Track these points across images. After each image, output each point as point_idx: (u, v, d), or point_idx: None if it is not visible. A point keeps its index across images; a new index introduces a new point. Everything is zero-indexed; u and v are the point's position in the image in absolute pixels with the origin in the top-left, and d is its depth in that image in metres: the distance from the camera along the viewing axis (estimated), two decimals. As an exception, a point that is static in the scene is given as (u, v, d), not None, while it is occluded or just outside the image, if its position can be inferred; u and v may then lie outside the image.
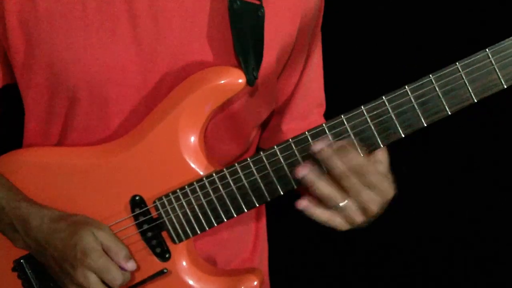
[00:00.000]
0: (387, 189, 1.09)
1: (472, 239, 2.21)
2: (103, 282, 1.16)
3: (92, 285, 1.15)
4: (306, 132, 1.12)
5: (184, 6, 1.18)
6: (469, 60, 1.06)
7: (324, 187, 1.06)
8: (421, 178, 2.12)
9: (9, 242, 1.26)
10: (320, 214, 1.08)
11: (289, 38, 1.25)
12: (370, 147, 1.11)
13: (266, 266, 1.45)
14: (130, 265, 1.17)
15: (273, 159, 1.14)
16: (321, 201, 1.08)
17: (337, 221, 1.09)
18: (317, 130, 1.11)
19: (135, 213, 1.20)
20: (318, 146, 1.06)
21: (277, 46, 1.23)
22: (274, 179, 1.14)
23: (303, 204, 1.08)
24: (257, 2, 1.19)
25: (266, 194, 1.15)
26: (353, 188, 1.06)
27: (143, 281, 1.22)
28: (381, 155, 1.09)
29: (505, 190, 2.14)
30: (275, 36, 1.23)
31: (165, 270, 1.21)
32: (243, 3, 1.17)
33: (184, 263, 1.22)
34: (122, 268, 1.16)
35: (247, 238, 1.40)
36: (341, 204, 1.07)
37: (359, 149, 1.08)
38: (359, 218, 1.09)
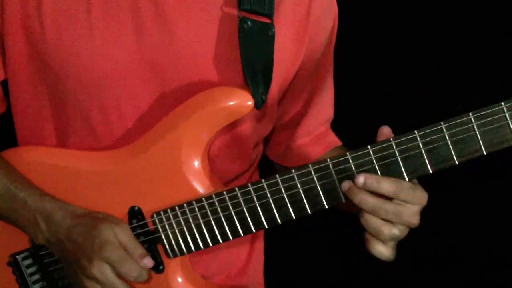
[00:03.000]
0: (420, 196, 1.08)
1: (472, 239, 2.21)
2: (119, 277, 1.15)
3: (107, 278, 1.14)
4: (310, 166, 1.10)
5: (192, 19, 1.14)
6: (483, 112, 1.03)
7: (376, 222, 1.06)
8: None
9: (7, 235, 1.26)
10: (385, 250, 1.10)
11: (295, 60, 1.22)
12: (373, 188, 1.09)
13: (261, 278, 1.45)
14: (146, 262, 1.15)
15: (274, 188, 1.13)
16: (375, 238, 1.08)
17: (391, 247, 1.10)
18: (322, 165, 1.10)
19: (132, 225, 1.20)
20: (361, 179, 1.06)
21: (283, 67, 1.21)
22: (274, 208, 1.13)
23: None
24: (268, 21, 1.15)
25: (264, 222, 1.14)
26: (390, 216, 1.06)
27: None
28: None
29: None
30: (282, 57, 1.20)
31: (161, 267, 1.21)
32: (253, 23, 1.14)
33: (177, 277, 1.22)
34: None
35: (241, 248, 1.40)
36: (396, 233, 1.07)
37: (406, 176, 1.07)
38: (404, 233, 1.10)
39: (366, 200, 1.05)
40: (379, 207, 1.05)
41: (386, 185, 1.05)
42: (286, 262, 2.13)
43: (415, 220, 1.08)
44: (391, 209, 1.05)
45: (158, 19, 1.14)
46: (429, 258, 2.28)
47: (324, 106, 1.38)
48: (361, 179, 1.05)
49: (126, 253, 1.14)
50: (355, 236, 2.20)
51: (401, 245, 2.17)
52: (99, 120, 1.20)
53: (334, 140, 1.41)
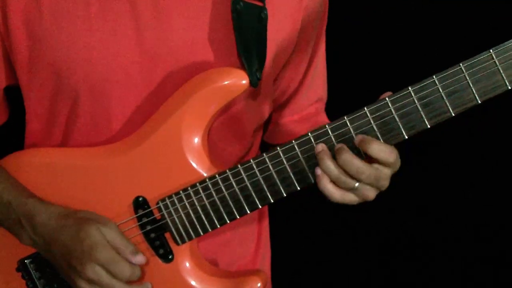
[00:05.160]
0: (399, 160, 1.11)
1: (472, 239, 2.21)
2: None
3: (101, 279, 1.15)
4: (309, 134, 1.12)
5: (187, 6, 1.18)
6: (473, 61, 1.05)
7: (338, 175, 1.08)
8: (422, 179, 2.12)
9: (13, 241, 1.26)
10: (334, 192, 1.10)
11: (289, 41, 1.25)
12: (373, 149, 1.10)
13: (268, 269, 1.44)
14: (139, 259, 1.17)
15: (276, 160, 1.13)
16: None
17: (350, 198, 1.11)
18: (320, 131, 1.11)
19: (138, 214, 1.20)
20: (319, 147, 1.10)
21: (275, 48, 1.24)
22: (277, 180, 1.14)
23: (318, 172, 1.09)
24: (260, 4, 1.19)
25: (269, 196, 1.15)
26: (370, 179, 1.08)
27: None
28: None
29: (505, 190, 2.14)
30: (275, 39, 1.23)
31: (170, 256, 1.21)
32: (246, 4, 1.17)
33: (187, 264, 1.22)
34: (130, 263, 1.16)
35: (249, 240, 1.40)
36: (356, 185, 1.09)
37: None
38: (372, 195, 1.11)
39: (353, 162, 1.07)
40: (362, 170, 1.07)
41: (380, 148, 1.07)
42: (292, 258, 2.12)
43: (388, 182, 1.12)
44: (372, 172, 1.08)
45: (155, 9, 1.17)
46: (431, 256, 2.27)
47: (314, 86, 1.41)
48: (359, 137, 1.08)
49: (117, 254, 1.15)
50: (360, 234, 2.21)
51: (404, 244, 2.19)
52: (102, 114, 1.21)
53: (322, 121, 1.43)
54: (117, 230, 1.19)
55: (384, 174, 1.10)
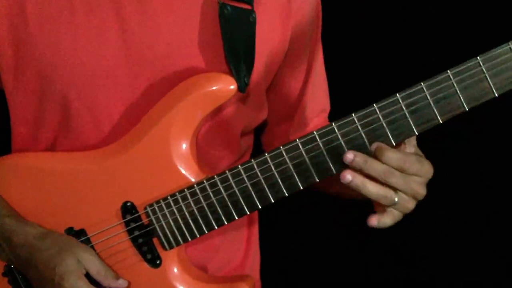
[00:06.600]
0: (428, 169, 1.08)
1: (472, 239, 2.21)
2: None
3: None
4: (297, 140, 1.11)
5: (174, 11, 1.18)
6: (461, 68, 1.05)
7: (374, 188, 1.05)
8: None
9: None
10: (387, 219, 1.08)
11: (280, 45, 1.24)
12: (361, 155, 1.10)
13: (257, 275, 1.44)
14: (121, 282, 1.18)
15: (264, 166, 1.13)
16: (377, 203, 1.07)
17: (396, 216, 1.08)
18: (308, 137, 1.11)
19: (126, 219, 1.20)
20: (350, 156, 1.04)
21: (267, 52, 1.23)
22: (265, 186, 1.14)
23: (374, 221, 1.07)
24: (249, 7, 1.18)
25: (257, 202, 1.15)
26: (400, 181, 1.05)
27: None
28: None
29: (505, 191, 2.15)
30: (266, 43, 1.22)
31: (158, 262, 1.21)
32: (234, 9, 1.17)
33: (175, 270, 1.22)
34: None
35: (238, 245, 1.40)
36: (396, 199, 1.05)
37: (392, 140, 1.07)
38: (411, 205, 1.08)
39: (374, 165, 1.04)
40: (390, 171, 1.04)
41: (394, 157, 1.04)
42: (282, 263, 2.13)
43: (422, 190, 1.07)
44: (399, 174, 1.04)
45: (141, 14, 1.16)
46: (427, 256, 2.27)
47: (317, 95, 1.38)
48: (373, 146, 1.05)
49: (87, 284, 1.15)
50: (351, 239, 2.21)
51: (400, 244, 2.20)
52: (89, 119, 1.21)
53: None
54: (96, 257, 1.18)
55: (415, 180, 1.06)
